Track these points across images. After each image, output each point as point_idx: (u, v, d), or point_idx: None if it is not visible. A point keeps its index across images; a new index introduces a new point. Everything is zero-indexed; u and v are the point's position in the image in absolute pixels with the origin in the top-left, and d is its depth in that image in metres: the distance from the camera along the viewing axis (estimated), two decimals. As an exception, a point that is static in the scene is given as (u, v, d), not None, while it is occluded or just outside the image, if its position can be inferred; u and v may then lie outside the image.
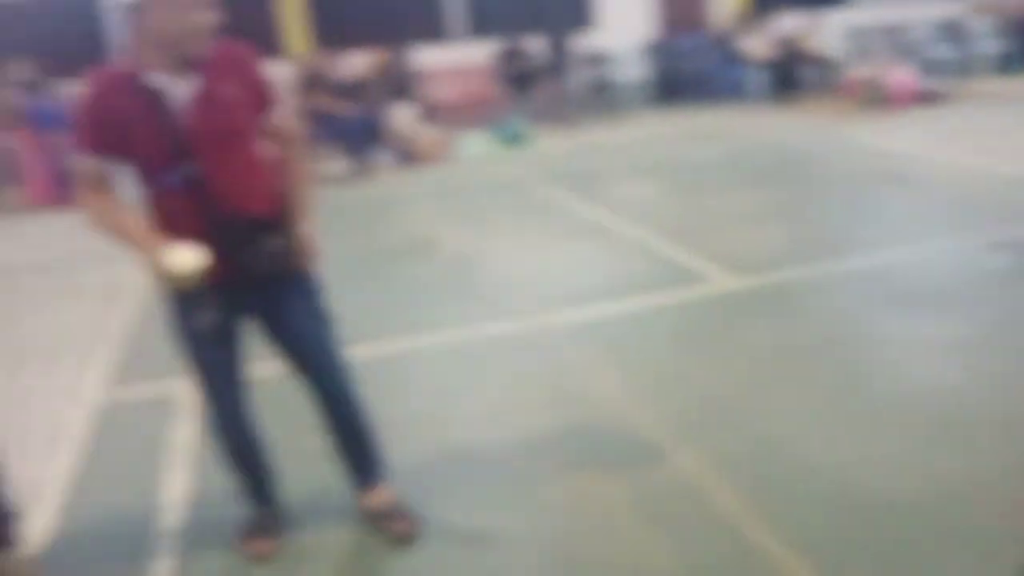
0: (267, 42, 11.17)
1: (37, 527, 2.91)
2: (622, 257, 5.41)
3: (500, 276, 5.27)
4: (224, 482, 2.73)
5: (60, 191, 8.70)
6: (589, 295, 4.69)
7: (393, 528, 2.66)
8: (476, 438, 3.27)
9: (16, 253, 7.46)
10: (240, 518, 2.73)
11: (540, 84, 11.52)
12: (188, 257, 2.23)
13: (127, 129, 2.25)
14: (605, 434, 3.20)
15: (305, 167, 2.55)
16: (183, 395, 3.61)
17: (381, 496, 2.73)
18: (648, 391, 3.48)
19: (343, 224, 7.12)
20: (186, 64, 2.27)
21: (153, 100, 2.25)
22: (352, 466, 2.72)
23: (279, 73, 8.04)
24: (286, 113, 2.50)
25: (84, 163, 2.30)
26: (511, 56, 11.72)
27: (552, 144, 10.27)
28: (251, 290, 2.44)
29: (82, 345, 4.73)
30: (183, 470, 3.21)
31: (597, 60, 12.13)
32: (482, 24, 12.42)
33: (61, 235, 7.43)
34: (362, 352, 4.09)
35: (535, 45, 11.69)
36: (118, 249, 2.35)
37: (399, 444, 3.20)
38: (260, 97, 2.42)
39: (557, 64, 11.69)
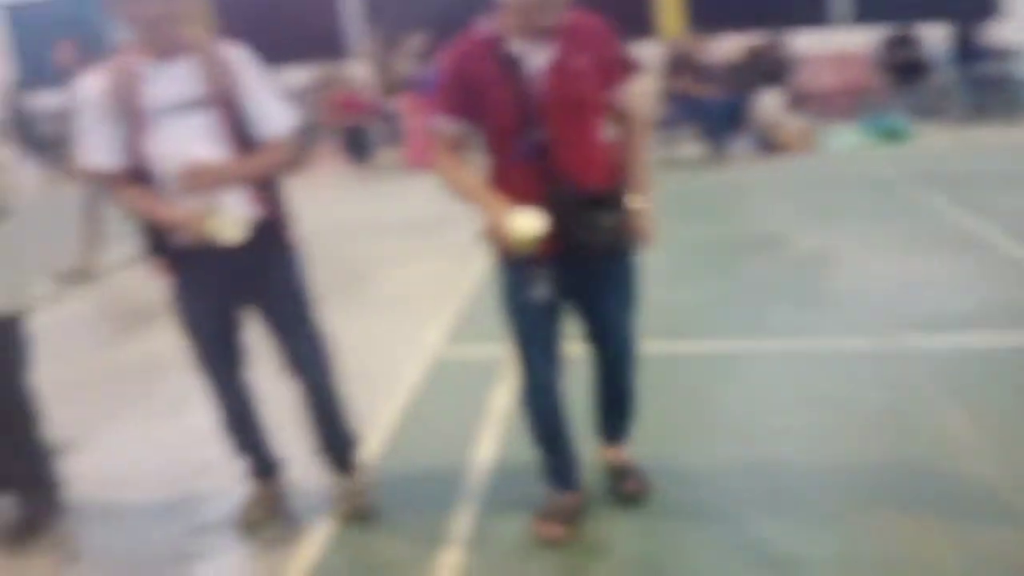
0: (640, 23, 11.26)
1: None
2: (1001, 282, 4.68)
3: (851, 285, 4.82)
4: (531, 455, 2.76)
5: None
6: (952, 321, 4.12)
7: (626, 486, 2.78)
8: (788, 454, 3.02)
9: (390, 211, 8.26)
10: (542, 496, 2.73)
11: (929, 76, 10.44)
12: (530, 222, 2.26)
13: (483, 94, 2.33)
14: (942, 480, 2.78)
15: (645, 146, 2.51)
16: (507, 361, 3.74)
17: (624, 453, 2.88)
18: (1005, 444, 2.96)
19: (691, 210, 7.00)
20: (543, 33, 2.29)
21: (511, 66, 2.31)
22: (608, 422, 2.83)
23: (648, 54, 8.07)
24: (636, 90, 2.46)
25: (442, 125, 2.42)
26: (899, 44, 10.75)
27: (935, 143, 9.27)
28: (578, 266, 2.45)
29: (431, 300, 5.12)
30: (497, 434, 3.32)
31: (1002, 54, 10.71)
32: (869, 9, 11.52)
33: (431, 195, 8.10)
34: (690, 348, 4.01)
35: (931, 34, 10.59)
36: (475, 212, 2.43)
37: (700, 446, 3.10)
38: (611, 71, 2.42)
39: (952, 56, 10.51)
